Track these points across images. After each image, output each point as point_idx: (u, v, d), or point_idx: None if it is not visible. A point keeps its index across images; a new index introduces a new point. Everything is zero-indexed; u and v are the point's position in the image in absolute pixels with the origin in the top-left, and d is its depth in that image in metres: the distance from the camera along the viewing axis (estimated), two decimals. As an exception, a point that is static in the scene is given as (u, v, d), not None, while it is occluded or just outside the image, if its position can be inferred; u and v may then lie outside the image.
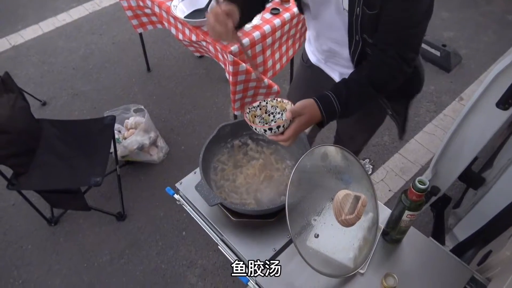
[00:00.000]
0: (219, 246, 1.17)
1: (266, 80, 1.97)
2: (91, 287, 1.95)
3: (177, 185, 1.26)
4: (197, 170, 1.26)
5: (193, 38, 2.04)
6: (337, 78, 1.37)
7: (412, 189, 0.88)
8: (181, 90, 2.87)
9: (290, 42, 2.20)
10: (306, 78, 1.59)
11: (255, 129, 1.03)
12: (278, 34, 2.02)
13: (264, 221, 1.12)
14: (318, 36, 1.28)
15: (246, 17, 1.16)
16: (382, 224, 1.09)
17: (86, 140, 2.06)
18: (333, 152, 1.11)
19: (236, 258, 1.11)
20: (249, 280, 1.04)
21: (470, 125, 1.21)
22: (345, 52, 1.20)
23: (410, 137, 2.52)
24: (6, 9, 3.58)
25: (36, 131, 2.03)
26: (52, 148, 2.00)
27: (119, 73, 3.00)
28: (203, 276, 1.96)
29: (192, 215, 1.23)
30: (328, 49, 1.28)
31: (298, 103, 1.03)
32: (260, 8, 1.26)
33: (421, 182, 0.86)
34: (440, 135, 2.53)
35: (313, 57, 1.46)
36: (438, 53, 2.89)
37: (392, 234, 1.04)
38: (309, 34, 1.41)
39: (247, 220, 1.12)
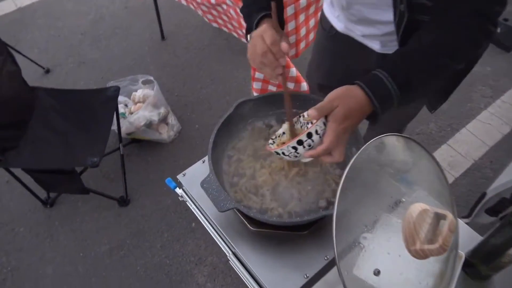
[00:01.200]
0: (229, 262, 0.88)
1: (293, 69, 1.59)
2: (86, 280, 1.72)
3: (179, 177, 0.96)
4: (206, 158, 0.96)
5: (212, 0, 1.72)
6: (377, 47, 1.02)
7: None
8: (198, 61, 2.55)
9: (319, 15, 1.81)
10: (331, 52, 1.22)
11: (283, 153, 0.73)
12: (303, 2, 1.65)
13: (293, 234, 0.82)
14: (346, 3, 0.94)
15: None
16: (461, 249, 0.77)
17: (85, 113, 1.79)
18: (393, 142, 0.78)
19: (252, 281, 0.82)
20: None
21: None
22: (388, 17, 0.86)
23: (461, 126, 2.15)
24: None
25: (29, 101, 1.77)
26: (46, 120, 1.75)
27: (130, 41, 2.71)
28: (213, 276, 1.70)
29: (198, 217, 0.95)
30: (362, 18, 0.93)
31: (326, 97, 0.72)
32: None
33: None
34: (497, 125, 2.14)
35: (339, 24, 1.07)
36: (498, 29, 2.47)
37: (481, 269, 0.72)
38: None
39: (270, 231, 0.82)
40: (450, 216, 0.61)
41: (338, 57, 1.21)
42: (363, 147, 0.70)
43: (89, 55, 2.63)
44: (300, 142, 0.71)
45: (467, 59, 0.80)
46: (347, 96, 0.73)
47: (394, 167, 0.79)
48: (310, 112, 0.70)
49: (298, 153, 0.73)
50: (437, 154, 2.04)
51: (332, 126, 0.70)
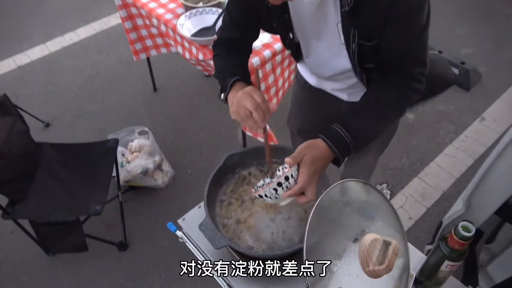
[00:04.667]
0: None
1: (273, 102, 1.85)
2: (89, 324, 1.81)
3: (180, 221, 1.13)
4: (202, 204, 1.13)
5: (200, 57, 1.94)
6: (345, 97, 1.25)
7: (454, 236, 0.74)
8: (188, 110, 2.77)
9: (292, 67, 2.07)
10: (306, 102, 1.45)
11: (265, 195, 0.90)
12: (278, 58, 1.89)
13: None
14: (316, 67, 1.17)
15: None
16: (413, 270, 0.94)
17: (87, 164, 1.95)
18: (354, 186, 0.97)
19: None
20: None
21: (508, 158, 1.08)
22: (351, 75, 1.09)
23: (430, 159, 2.37)
24: (14, 29, 3.56)
25: (35, 155, 1.93)
26: (51, 173, 1.90)
27: (125, 93, 2.92)
28: (209, 313, 1.81)
29: (197, 255, 1.10)
30: (330, 75, 1.15)
31: (297, 148, 0.92)
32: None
33: (465, 228, 0.72)
34: (462, 158, 2.37)
35: (312, 80, 1.31)
36: (456, 71, 2.76)
37: (427, 284, 0.89)
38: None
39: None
40: (394, 242, 0.79)
41: (313, 106, 1.44)
42: (326, 190, 0.89)
43: (86, 108, 2.83)
44: (279, 184, 0.89)
45: (404, 109, 1.03)
46: (313, 146, 0.93)
47: (356, 205, 0.97)
48: (287, 160, 0.89)
49: (278, 194, 0.90)
50: (410, 186, 2.24)
51: (304, 169, 0.89)
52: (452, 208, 1.45)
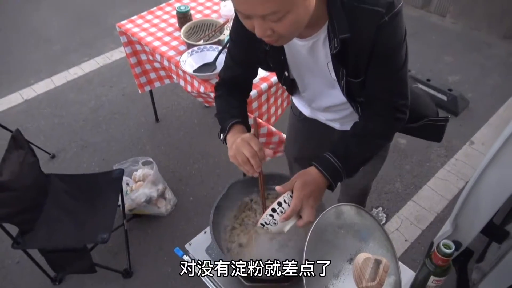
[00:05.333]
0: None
1: (277, 136, 1.94)
2: None
3: (187, 246, 1.21)
4: (207, 229, 1.21)
5: (202, 90, 2.06)
6: (337, 126, 1.36)
7: (437, 253, 0.83)
8: (190, 139, 2.88)
9: (285, 95, 2.19)
10: (302, 132, 1.56)
11: (265, 223, 0.99)
12: (273, 89, 2.02)
13: (279, 285, 1.06)
14: (314, 99, 1.28)
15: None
16: (405, 287, 1.02)
17: (94, 194, 2.03)
18: (348, 209, 1.07)
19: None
20: None
21: (490, 178, 1.17)
22: (345, 107, 1.20)
23: (423, 183, 2.46)
24: (21, 64, 3.71)
25: (44, 186, 2.01)
26: (59, 203, 1.98)
27: (128, 124, 3.03)
28: (213, 338, 1.85)
29: (203, 279, 1.17)
30: (327, 107, 1.27)
31: (291, 178, 1.02)
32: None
33: (446, 246, 0.81)
34: (454, 180, 2.47)
35: (306, 111, 1.43)
36: (444, 98, 2.90)
37: (417, 300, 0.97)
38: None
39: (261, 285, 1.06)
40: (384, 260, 0.88)
41: (308, 135, 1.55)
42: (322, 213, 0.98)
43: (90, 139, 2.93)
44: (274, 210, 0.98)
45: (390, 137, 1.13)
46: (304, 173, 1.03)
47: (350, 228, 1.06)
48: (277, 188, 0.99)
49: (275, 219, 0.99)
50: (404, 209, 2.33)
51: (295, 193, 0.98)
52: (441, 229, 1.53)
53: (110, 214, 1.94)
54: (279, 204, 0.97)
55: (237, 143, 1.04)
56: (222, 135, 1.15)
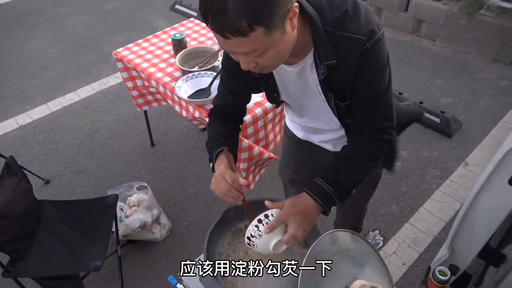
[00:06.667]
0: None
1: (266, 154, 1.98)
2: None
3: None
4: (201, 257, 1.20)
5: (197, 114, 2.08)
6: (330, 148, 1.37)
7: (433, 280, 0.82)
8: (185, 164, 2.87)
9: (282, 122, 2.22)
10: (295, 154, 1.58)
11: (251, 235, 0.99)
12: (278, 109, 2.06)
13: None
14: (312, 121, 1.30)
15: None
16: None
17: (87, 221, 2.01)
18: (343, 235, 1.06)
19: None
20: None
21: (483, 202, 1.17)
22: (337, 127, 1.22)
23: (419, 205, 2.46)
24: (18, 90, 3.73)
25: (37, 213, 1.98)
26: (52, 230, 1.95)
27: (123, 149, 3.03)
28: None
29: (197, 307, 1.15)
30: (317, 128, 1.29)
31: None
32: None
33: (442, 272, 0.80)
34: (449, 202, 2.47)
35: (299, 133, 1.45)
36: (437, 120, 2.93)
37: (414, 328, 0.95)
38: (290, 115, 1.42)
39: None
40: (380, 287, 0.87)
41: (302, 157, 1.56)
42: (317, 239, 0.97)
43: (85, 165, 2.92)
44: (260, 221, 0.97)
45: (378, 159, 1.14)
46: (295, 197, 1.04)
47: (346, 254, 1.05)
48: (266, 202, 1.02)
49: (260, 230, 0.98)
50: (401, 232, 2.31)
51: (283, 209, 1.00)
52: (438, 253, 1.52)
53: (104, 241, 1.91)
54: (266, 216, 0.98)
55: (215, 177, 1.07)
56: (211, 164, 1.16)
